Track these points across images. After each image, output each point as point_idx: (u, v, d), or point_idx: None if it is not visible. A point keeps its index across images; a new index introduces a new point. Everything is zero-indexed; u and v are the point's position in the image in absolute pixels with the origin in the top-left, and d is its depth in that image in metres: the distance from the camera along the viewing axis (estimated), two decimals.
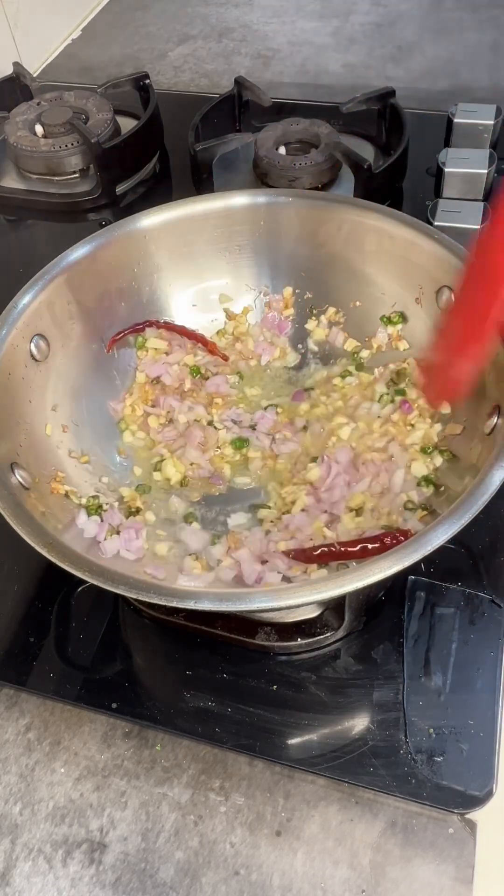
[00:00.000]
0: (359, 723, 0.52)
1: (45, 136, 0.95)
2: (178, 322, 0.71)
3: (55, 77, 1.18)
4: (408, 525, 0.55)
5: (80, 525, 0.57)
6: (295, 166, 0.87)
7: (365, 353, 0.68)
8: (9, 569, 0.62)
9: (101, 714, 0.55)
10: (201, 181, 0.91)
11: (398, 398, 0.63)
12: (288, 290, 0.71)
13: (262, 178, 0.90)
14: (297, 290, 0.72)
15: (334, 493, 0.59)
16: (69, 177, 0.96)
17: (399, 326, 0.66)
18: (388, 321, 0.66)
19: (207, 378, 0.69)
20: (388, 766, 0.50)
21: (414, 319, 0.66)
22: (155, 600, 0.44)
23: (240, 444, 0.65)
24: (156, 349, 0.70)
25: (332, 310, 0.70)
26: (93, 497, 0.59)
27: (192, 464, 0.64)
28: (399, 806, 0.50)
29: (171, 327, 0.70)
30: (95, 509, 0.58)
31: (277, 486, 0.63)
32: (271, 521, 0.60)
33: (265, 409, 0.67)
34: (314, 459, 0.62)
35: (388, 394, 0.64)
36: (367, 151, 0.92)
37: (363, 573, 0.44)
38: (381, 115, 0.94)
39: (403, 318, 0.66)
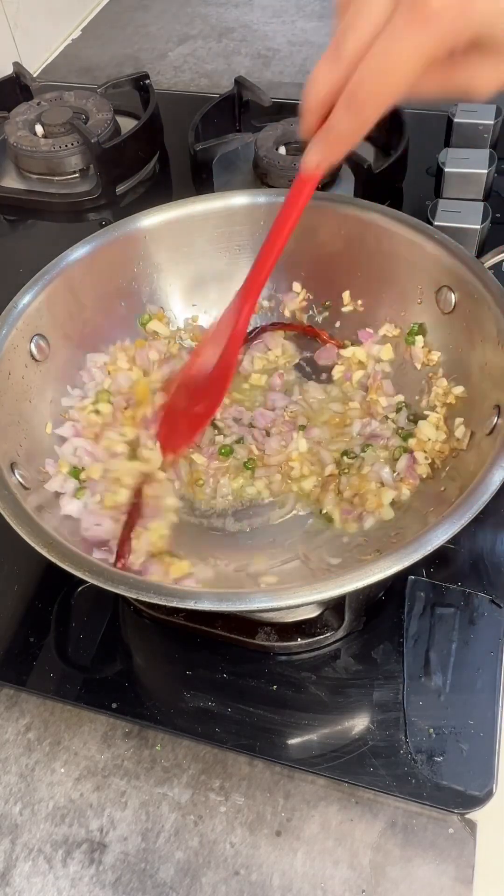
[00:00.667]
0: (359, 723, 0.52)
1: (45, 136, 0.95)
2: (178, 321, 0.72)
3: (55, 77, 1.19)
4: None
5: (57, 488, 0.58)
6: (295, 166, 0.87)
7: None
8: (9, 569, 0.62)
9: (101, 714, 0.55)
10: (201, 181, 0.91)
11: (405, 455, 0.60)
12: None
13: (262, 178, 0.90)
14: (296, 290, 0.72)
15: None
16: (69, 177, 0.96)
17: (420, 338, 0.64)
18: (409, 340, 0.64)
19: None
20: (388, 766, 0.50)
21: (414, 319, 0.66)
22: (154, 600, 0.44)
23: (226, 451, 0.63)
24: (156, 332, 0.70)
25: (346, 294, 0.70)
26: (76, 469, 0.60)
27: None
28: (399, 806, 0.50)
29: (289, 327, 0.71)
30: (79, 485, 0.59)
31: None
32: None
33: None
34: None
35: (400, 447, 0.61)
36: (367, 151, 0.92)
37: (363, 573, 0.44)
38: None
39: (423, 330, 0.64)
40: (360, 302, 0.69)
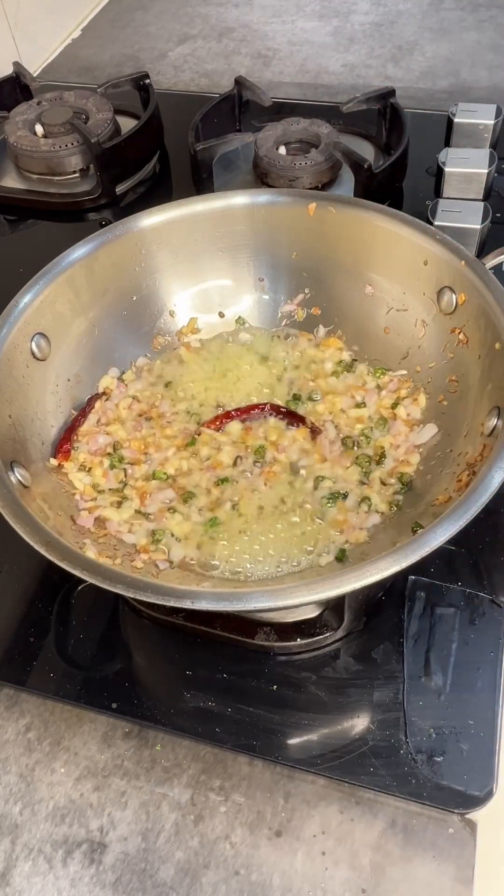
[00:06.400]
0: (359, 723, 0.52)
1: (45, 136, 0.95)
2: (179, 321, 0.72)
3: (55, 77, 1.19)
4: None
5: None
6: (295, 166, 0.87)
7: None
8: (9, 569, 0.62)
9: (102, 714, 0.55)
10: (201, 181, 0.91)
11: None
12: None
13: (262, 178, 0.90)
14: (298, 290, 0.72)
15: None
16: (69, 177, 0.96)
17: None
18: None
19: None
20: (388, 766, 0.50)
21: (414, 317, 0.66)
22: (153, 599, 0.44)
23: (213, 522, 0.59)
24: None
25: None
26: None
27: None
28: (399, 806, 0.50)
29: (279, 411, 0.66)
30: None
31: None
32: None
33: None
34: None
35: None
36: (367, 151, 0.92)
37: (362, 573, 0.44)
38: (381, 115, 0.94)
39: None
40: (358, 301, 0.69)
